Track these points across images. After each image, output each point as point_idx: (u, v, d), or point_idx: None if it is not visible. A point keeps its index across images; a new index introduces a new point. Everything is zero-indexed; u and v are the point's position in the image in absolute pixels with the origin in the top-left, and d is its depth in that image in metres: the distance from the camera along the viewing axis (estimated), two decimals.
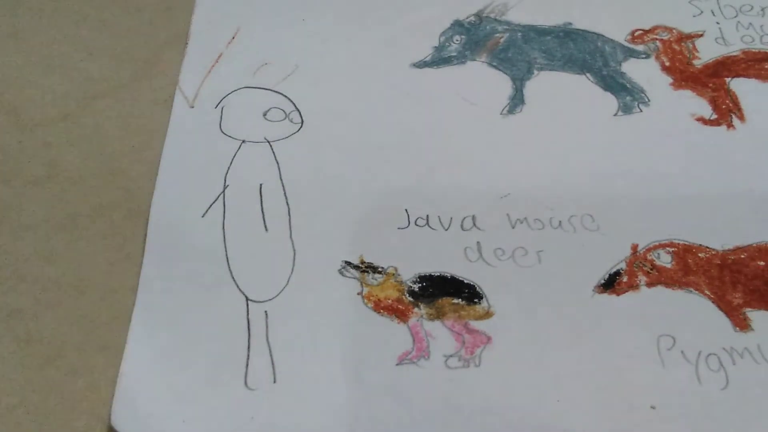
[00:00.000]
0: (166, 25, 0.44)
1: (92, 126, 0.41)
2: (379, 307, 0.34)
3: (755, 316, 0.34)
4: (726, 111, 0.41)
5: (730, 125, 0.41)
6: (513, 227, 0.37)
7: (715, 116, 0.41)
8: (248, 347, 0.33)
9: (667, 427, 0.31)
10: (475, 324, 0.34)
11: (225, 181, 0.38)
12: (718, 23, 0.44)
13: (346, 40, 0.44)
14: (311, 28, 0.44)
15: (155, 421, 0.31)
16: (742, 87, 0.42)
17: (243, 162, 0.39)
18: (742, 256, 0.36)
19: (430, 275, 0.35)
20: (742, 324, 0.34)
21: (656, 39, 0.44)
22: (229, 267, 0.35)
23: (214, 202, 0.37)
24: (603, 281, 0.35)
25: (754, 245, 0.36)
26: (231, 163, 0.38)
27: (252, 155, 0.39)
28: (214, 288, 0.35)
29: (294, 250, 0.36)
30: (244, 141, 0.40)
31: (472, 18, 0.45)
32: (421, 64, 0.43)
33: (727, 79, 0.43)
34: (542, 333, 0.34)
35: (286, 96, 0.42)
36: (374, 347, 0.33)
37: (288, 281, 0.35)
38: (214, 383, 0.32)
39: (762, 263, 0.36)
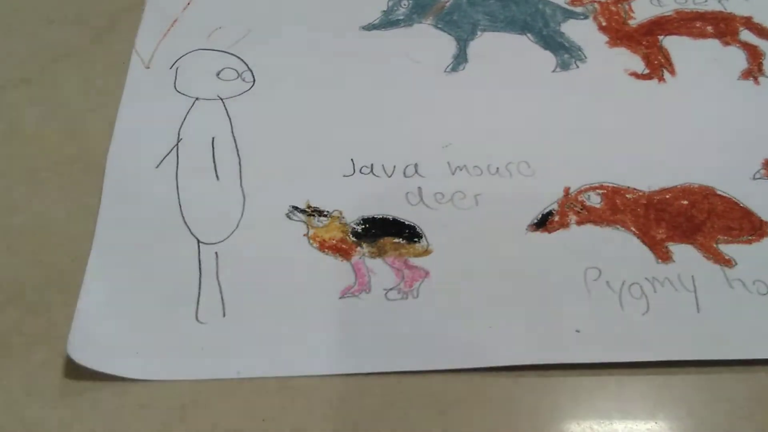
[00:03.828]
0: None
1: (52, 88, 0.44)
2: (324, 246, 0.37)
3: (677, 249, 0.38)
4: (658, 66, 0.45)
5: (661, 79, 0.44)
6: (453, 174, 0.40)
7: (647, 71, 0.44)
8: (199, 285, 0.36)
9: (591, 347, 0.34)
10: (414, 261, 0.37)
11: (179, 135, 0.41)
12: None
13: (298, 5, 0.47)
14: None
15: (110, 352, 0.34)
16: (673, 44, 0.46)
17: (196, 118, 0.41)
18: (667, 196, 0.39)
19: (373, 217, 0.38)
20: (664, 256, 0.37)
21: (594, 1, 0.48)
22: (181, 212, 0.38)
23: (167, 155, 0.40)
24: (536, 220, 0.38)
25: (679, 186, 0.40)
26: (185, 118, 0.41)
27: (205, 111, 0.42)
28: (167, 232, 0.37)
29: (244, 197, 0.39)
30: (197, 98, 0.42)
31: None
32: (370, 27, 0.46)
33: (660, 37, 0.46)
34: (477, 267, 0.37)
35: (238, 57, 0.44)
36: (318, 283, 0.36)
37: (238, 225, 0.38)
38: (166, 318, 0.35)
39: (685, 202, 0.39)
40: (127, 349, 0.34)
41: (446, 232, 0.38)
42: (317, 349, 0.34)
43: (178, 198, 0.39)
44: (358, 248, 0.37)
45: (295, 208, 0.38)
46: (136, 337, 0.34)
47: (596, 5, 0.48)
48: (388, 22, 0.46)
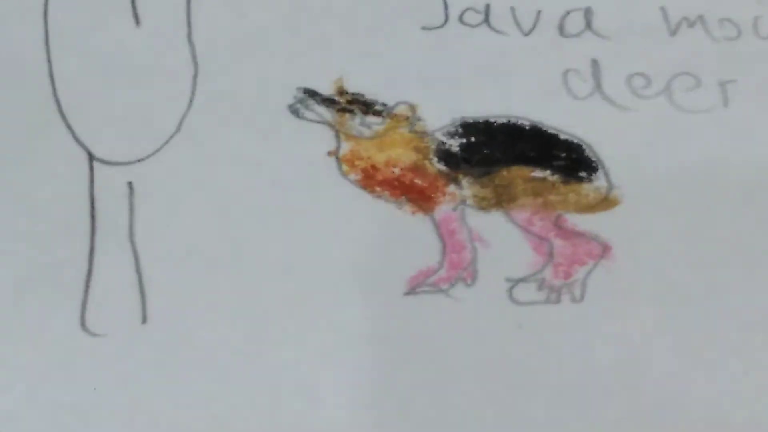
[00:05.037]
0: None
1: None
2: (372, 181, 0.37)
3: None
4: None
5: None
6: (673, 33, 0.40)
7: None
8: (90, 252, 0.37)
9: None
10: (578, 220, 0.36)
11: None
12: None
13: None
14: None
15: None
16: None
17: None
18: None
19: (486, 122, 0.38)
20: None
21: None
22: (56, 99, 0.39)
23: None
24: None
25: None
26: None
27: None
28: (33, 137, 0.39)
29: (195, 65, 0.39)
30: None
31: None
32: None
33: None
34: (716, 244, 0.39)
35: None
36: (362, 258, 0.37)
37: (180, 126, 0.39)
38: (21, 322, 0.37)
39: None
40: None
41: (652, 161, 0.37)
42: (354, 398, 0.37)
43: (50, 66, 0.39)
44: (451, 187, 0.37)
45: (312, 93, 0.38)
46: None
47: None
48: None
